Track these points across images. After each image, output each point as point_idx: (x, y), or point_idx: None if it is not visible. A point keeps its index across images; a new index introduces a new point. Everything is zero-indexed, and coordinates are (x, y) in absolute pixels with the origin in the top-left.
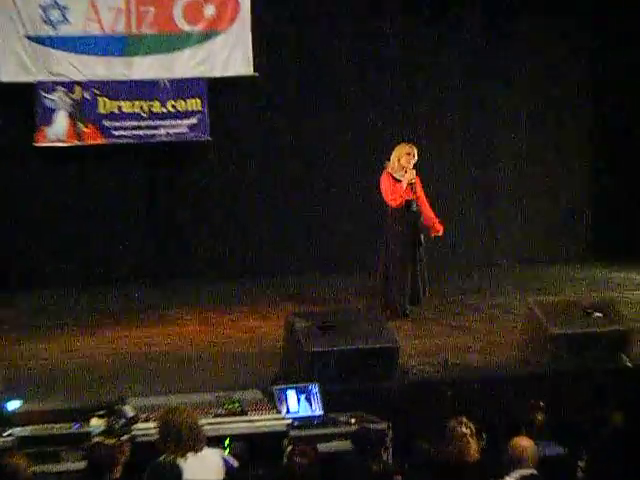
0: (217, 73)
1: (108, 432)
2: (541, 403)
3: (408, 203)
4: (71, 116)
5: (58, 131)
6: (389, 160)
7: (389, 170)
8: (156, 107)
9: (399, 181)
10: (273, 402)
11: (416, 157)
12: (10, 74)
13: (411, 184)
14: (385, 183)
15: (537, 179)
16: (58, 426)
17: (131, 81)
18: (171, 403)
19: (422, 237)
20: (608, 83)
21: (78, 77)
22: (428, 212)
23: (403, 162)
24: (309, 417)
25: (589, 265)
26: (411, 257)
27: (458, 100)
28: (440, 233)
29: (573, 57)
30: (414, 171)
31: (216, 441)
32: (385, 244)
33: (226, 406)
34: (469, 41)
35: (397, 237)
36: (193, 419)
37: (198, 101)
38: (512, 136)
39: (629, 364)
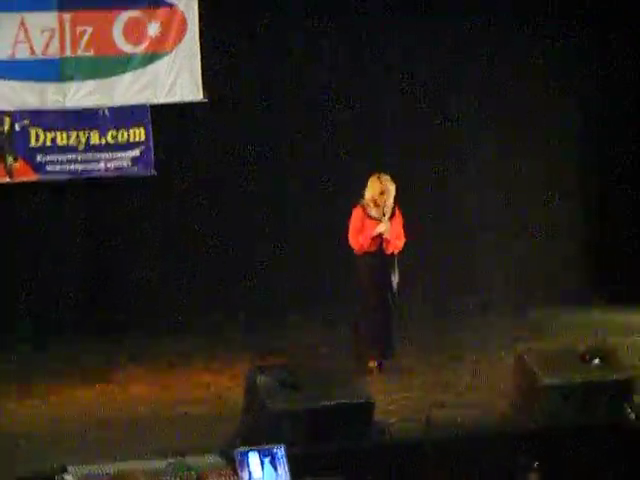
0: (162, 99)
1: None
2: (534, 463)
3: (381, 243)
4: None
5: None
6: (364, 196)
7: (364, 204)
8: (94, 138)
9: (373, 218)
10: (233, 467)
11: (393, 192)
12: None
13: (381, 236)
14: (354, 219)
15: (529, 217)
16: None
17: (66, 110)
18: (118, 471)
19: (394, 282)
20: (604, 117)
21: (6, 106)
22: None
23: (379, 202)
24: None
25: (586, 308)
26: (381, 304)
27: (447, 142)
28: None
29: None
30: (388, 224)
31: None
32: (354, 288)
33: (180, 473)
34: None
35: (365, 283)
36: None
37: (141, 131)
38: (504, 171)
39: (633, 417)
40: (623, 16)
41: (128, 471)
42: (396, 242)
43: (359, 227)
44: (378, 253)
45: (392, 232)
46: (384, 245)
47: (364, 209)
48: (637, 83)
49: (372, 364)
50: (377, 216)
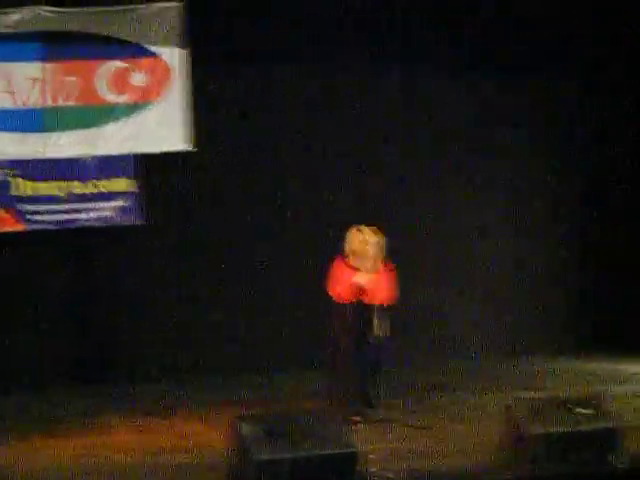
0: (148, 149)
1: None
2: None
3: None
4: None
5: None
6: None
7: (344, 255)
8: (78, 188)
9: (353, 268)
10: None
11: (377, 244)
12: None
13: (359, 287)
14: (335, 269)
15: (518, 264)
16: None
17: (50, 160)
18: None
19: (375, 333)
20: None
21: None
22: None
23: (360, 252)
24: None
25: (572, 357)
26: (360, 355)
27: (448, 142)
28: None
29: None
30: (367, 275)
31: None
32: (332, 339)
33: None
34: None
35: (343, 332)
36: None
37: (126, 181)
38: (495, 214)
39: (621, 466)
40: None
41: None
42: (379, 295)
43: (338, 276)
44: (357, 303)
45: (373, 283)
46: (362, 296)
47: (345, 260)
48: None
49: (356, 418)
50: (358, 266)
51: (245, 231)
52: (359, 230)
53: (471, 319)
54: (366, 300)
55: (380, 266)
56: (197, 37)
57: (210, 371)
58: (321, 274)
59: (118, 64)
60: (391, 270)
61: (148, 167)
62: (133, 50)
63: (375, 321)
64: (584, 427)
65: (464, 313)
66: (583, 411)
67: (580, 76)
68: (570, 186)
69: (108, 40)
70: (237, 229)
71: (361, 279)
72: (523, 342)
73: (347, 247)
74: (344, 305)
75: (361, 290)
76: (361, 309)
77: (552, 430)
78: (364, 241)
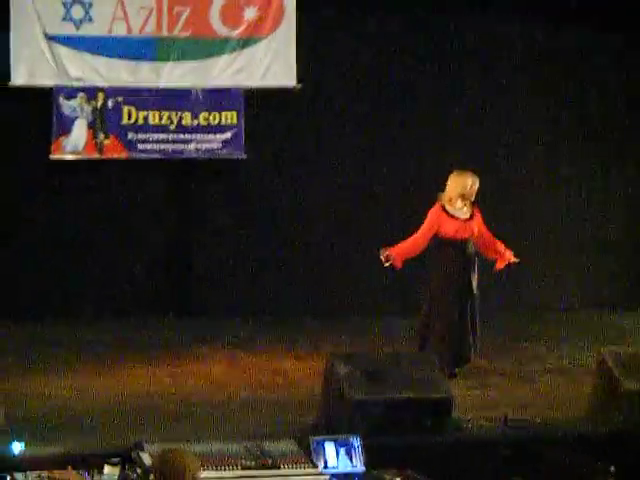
0: (256, 83)
1: None
2: (611, 468)
3: (463, 243)
4: (91, 126)
5: (76, 142)
6: (442, 192)
7: (443, 202)
8: (187, 119)
9: (453, 217)
10: (309, 455)
11: (476, 186)
12: (25, 76)
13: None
14: (435, 218)
15: (610, 218)
16: (66, 473)
17: (160, 89)
18: (194, 451)
19: (475, 285)
20: None
21: (101, 82)
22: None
23: (467, 196)
24: (349, 473)
25: None
26: (459, 309)
27: (526, 135)
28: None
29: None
30: (473, 226)
31: None
32: (429, 287)
33: (256, 458)
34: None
35: (441, 282)
36: (196, 466)
37: (234, 114)
38: (583, 173)
39: None
40: None
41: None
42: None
43: (436, 225)
44: (458, 255)
45: (477, 234)
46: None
47: (442, 207)
48: None
49: (453, 370)
50: (456, 213)
51: (345, 172)
52: (465, 173)
53: (570, 273)
54: (468, 252)
55: (475, 212)
56: None
57: (305, 312)
58: (420, 219)
59: None
60: (481, 217)
61: (251, 101)
62: None
63: (474, 274)
64: None
65: (563, 267)
66: None
67: None
68: None
69: None
70: (338, 169)
71: (466, 231)
72: (621, 297)
73: (455, 191)
74: (445, 256)
75: (464, 241)
76: (462, 260)
77: None
78: (474, 182)
